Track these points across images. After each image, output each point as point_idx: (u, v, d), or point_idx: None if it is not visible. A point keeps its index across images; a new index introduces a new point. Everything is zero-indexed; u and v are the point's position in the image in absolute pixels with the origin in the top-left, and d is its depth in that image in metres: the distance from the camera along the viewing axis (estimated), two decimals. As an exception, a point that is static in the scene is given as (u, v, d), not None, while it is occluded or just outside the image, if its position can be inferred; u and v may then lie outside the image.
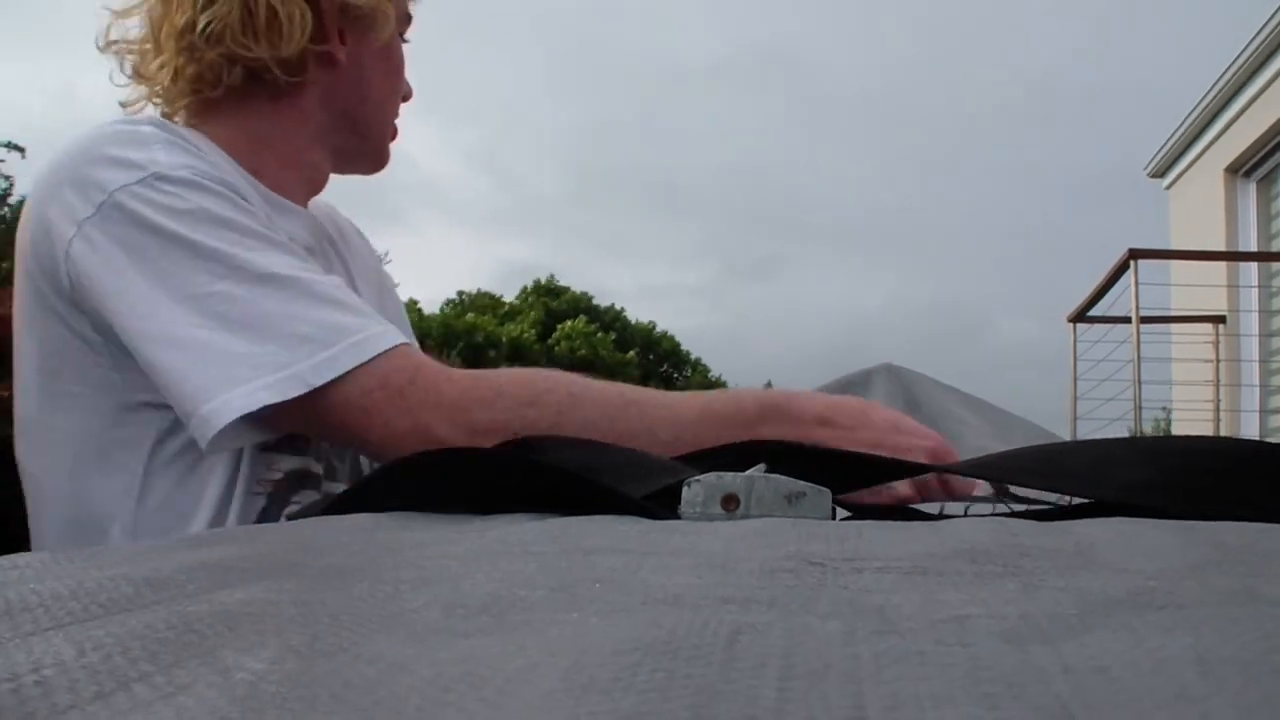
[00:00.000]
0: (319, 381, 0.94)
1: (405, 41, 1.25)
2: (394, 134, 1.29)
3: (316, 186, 1.28)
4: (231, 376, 0.93)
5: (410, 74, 1.30)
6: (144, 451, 1.03)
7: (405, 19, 1.23)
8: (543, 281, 34.81)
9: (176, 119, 1.17)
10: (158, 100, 1.18)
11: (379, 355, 0.97)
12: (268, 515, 1.06)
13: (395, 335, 1.00)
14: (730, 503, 0.56)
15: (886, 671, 0.21)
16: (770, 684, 0.21)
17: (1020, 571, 0.33)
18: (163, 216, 0.97)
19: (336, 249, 1.34)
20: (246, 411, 0.92)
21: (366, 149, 1.27)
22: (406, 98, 1.29)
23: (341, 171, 1.30)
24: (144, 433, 1.03)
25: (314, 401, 0.95)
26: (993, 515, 0.62)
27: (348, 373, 0.95)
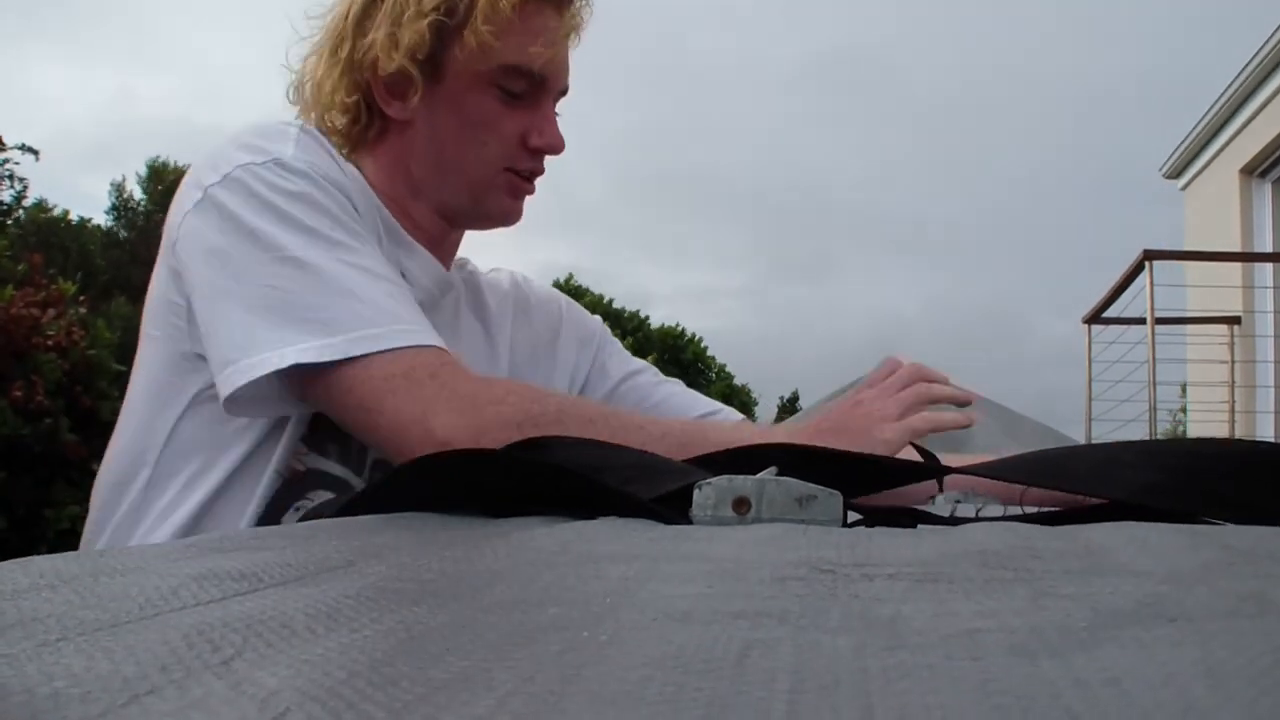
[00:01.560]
0: (356, 352, 1.00)
1: (514, 96, 1.22)
2: (510, 188, 1.28)
3: (437, 242, 1.31)
4: (273, 339, 1.00)
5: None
6: (185, 399, 1.11)
7: (503, 73, 1.21)
8: (562, 282, 34.72)
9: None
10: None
11: (413, 347, 1.02)
12: (277, 501, 1.11)
13: (434, 337, 1.05)
14: (741, 505, 0.56)
15: (896, 684, 0.21)
16: (781, 696, 0.21)
17: (1030, 576, 0.32)
18: (269, 191, 1.07)
19: (472, 307, 1.39)
20: (278, 368, 0.99)
21: (463, 204, 1.28)
22: (547, 150, 1.27)
23: (466, 227, 1.33)
24: (190, 381, 1.11)
25: (339, 374, 1.01)
26: (1004, 518, 0.62)
27: (380, 352, 1.00)
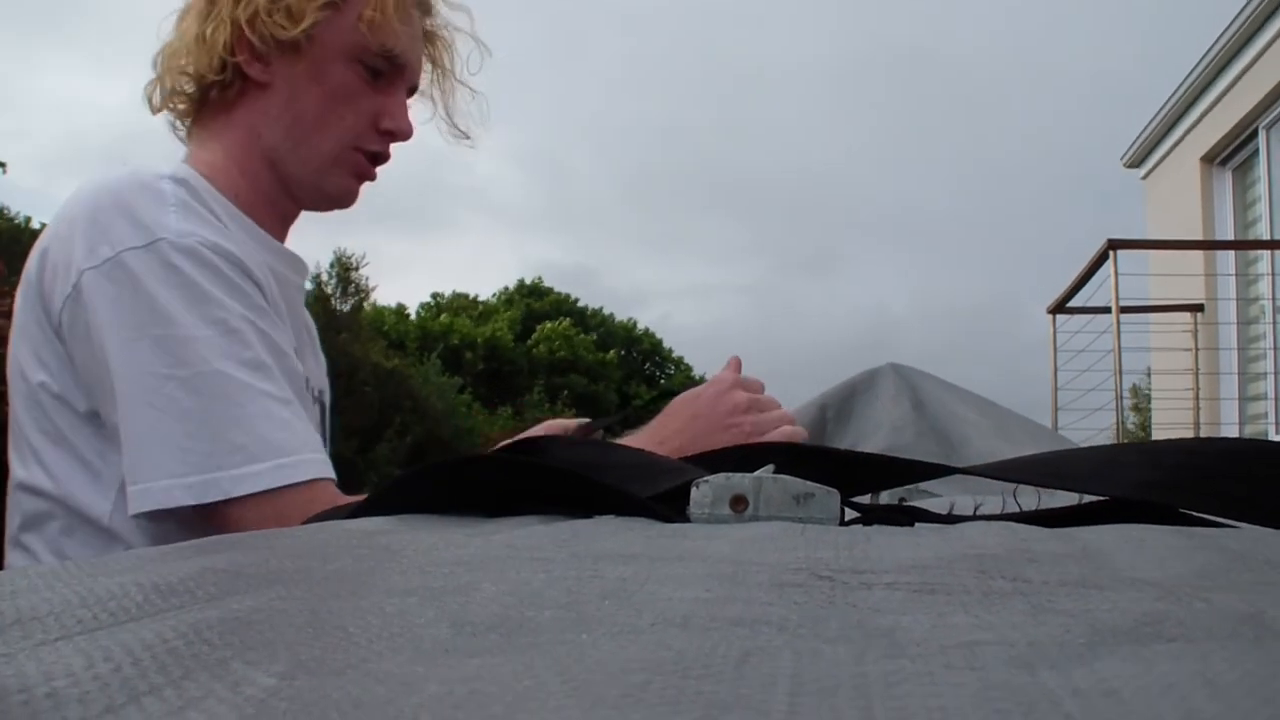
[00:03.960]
0: (236, 493, 0.98)
1: (376, 75, 1.24)
2: (355, 168, 1.28)
3: (288, 219, 1.31)
4: (162, 465, 0.99)
5: (425, 107, 1.32)
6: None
7: (370, 51, 1.22)
8: (527, 282, 34.99)
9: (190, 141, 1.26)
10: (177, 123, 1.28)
11: (290, 485, 1.01)
12: None
13: (317, 467, 1.04)
14: (739, 504, 0.56)
15: (896, 689, 0.21)
16: (781, 698, 0.21)
17: (1028, 588, 0.33)
18: (157, 285, 1.01)
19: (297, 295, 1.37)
20: (161, 507, 0.98)
21: (307, 176, 1.26)
22: (398, 134, 1.29)
23: (303, 206, 1.32)
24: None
25: (218, 508, 1.00)
26: (1001, 516, 0.62)
27: (258, 494, 0.99)
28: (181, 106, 1.25)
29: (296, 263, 1.30)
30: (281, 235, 1.29)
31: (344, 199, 1.30)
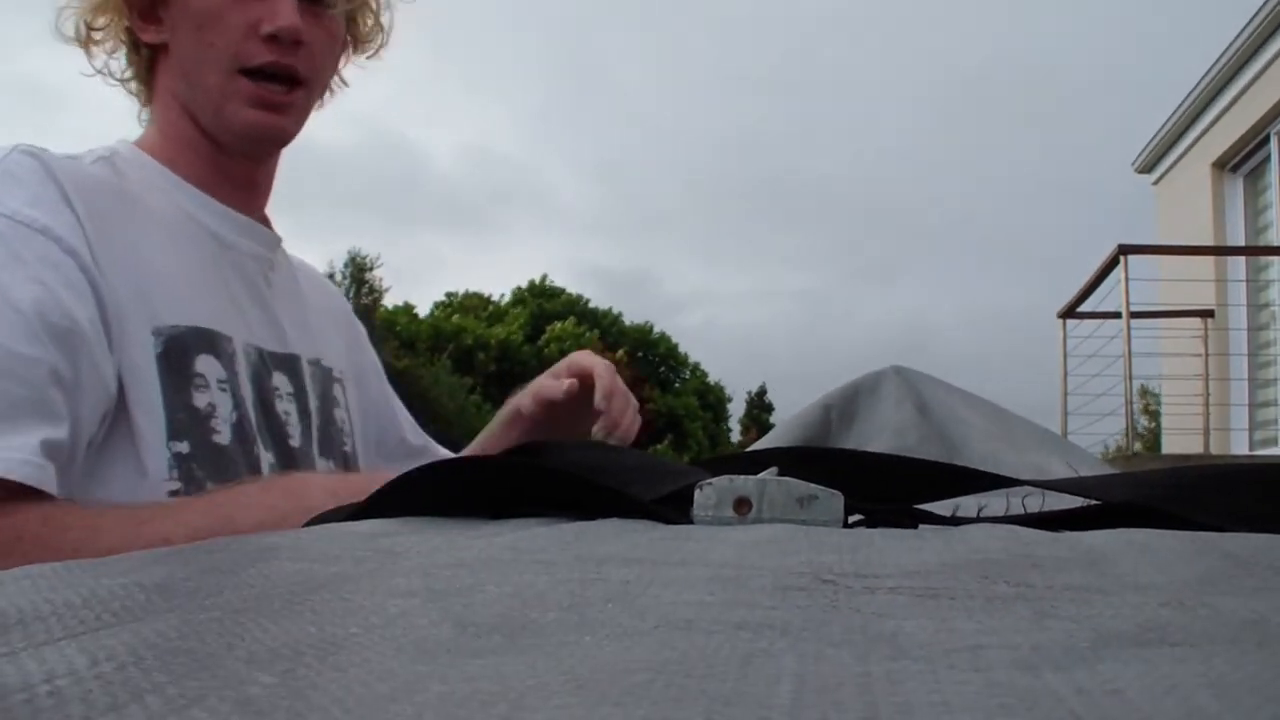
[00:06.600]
0: None
1: None
2: (247, 96, 1.13)
3: (243, 182, 1.21)
4: None
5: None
6: None
7: None
8: (537, 283, 35.11)
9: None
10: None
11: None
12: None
13: (21, 465, 0.87)
14: (742, 506, 0.56)
15: (900, 687, 0.22)
16: (785, 695, 0.21)
17: (1032, 593, 0.33)
18: None
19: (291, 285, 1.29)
20: None
21: (210, 123, 1.15)
22: (280, 36, 1.11)
23: (239, 152, 1.19)
24: None
25: None
26: (1005, 518, 0.61)
27: None
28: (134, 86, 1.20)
29: (258, 233, 1.20)
30: (246, 202, 1.20)
31: (254, 132, 1.16)
